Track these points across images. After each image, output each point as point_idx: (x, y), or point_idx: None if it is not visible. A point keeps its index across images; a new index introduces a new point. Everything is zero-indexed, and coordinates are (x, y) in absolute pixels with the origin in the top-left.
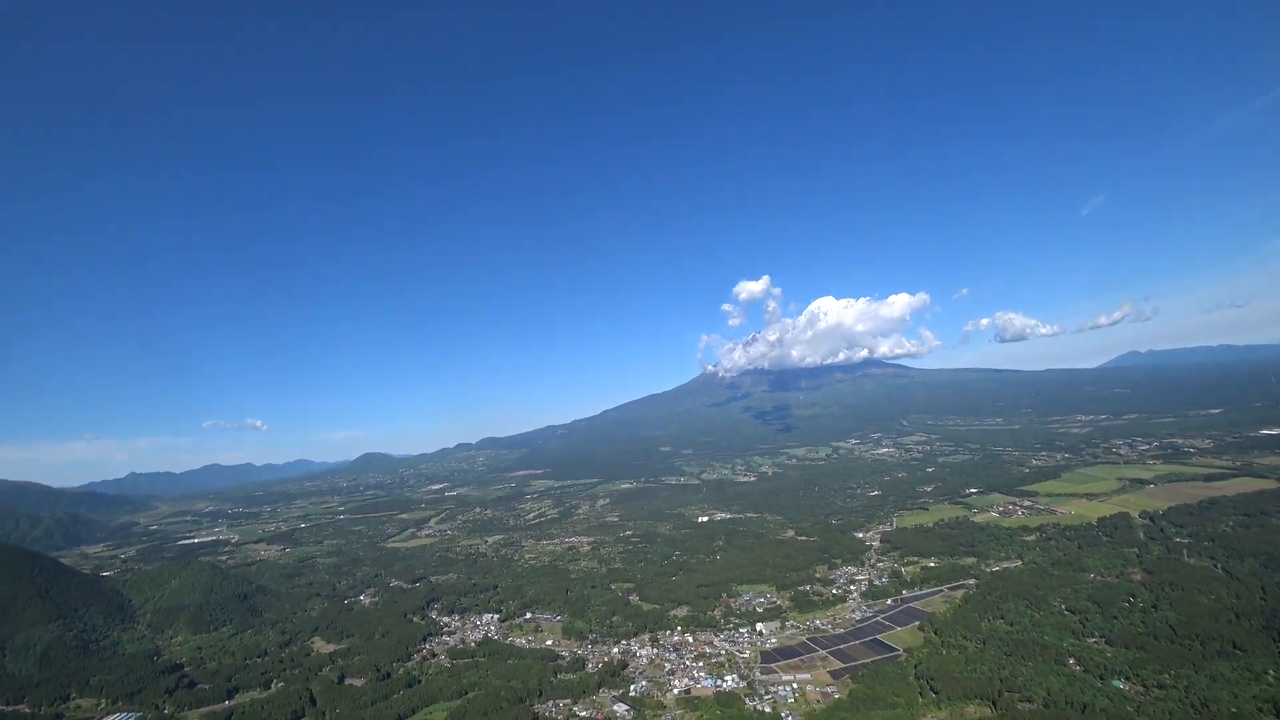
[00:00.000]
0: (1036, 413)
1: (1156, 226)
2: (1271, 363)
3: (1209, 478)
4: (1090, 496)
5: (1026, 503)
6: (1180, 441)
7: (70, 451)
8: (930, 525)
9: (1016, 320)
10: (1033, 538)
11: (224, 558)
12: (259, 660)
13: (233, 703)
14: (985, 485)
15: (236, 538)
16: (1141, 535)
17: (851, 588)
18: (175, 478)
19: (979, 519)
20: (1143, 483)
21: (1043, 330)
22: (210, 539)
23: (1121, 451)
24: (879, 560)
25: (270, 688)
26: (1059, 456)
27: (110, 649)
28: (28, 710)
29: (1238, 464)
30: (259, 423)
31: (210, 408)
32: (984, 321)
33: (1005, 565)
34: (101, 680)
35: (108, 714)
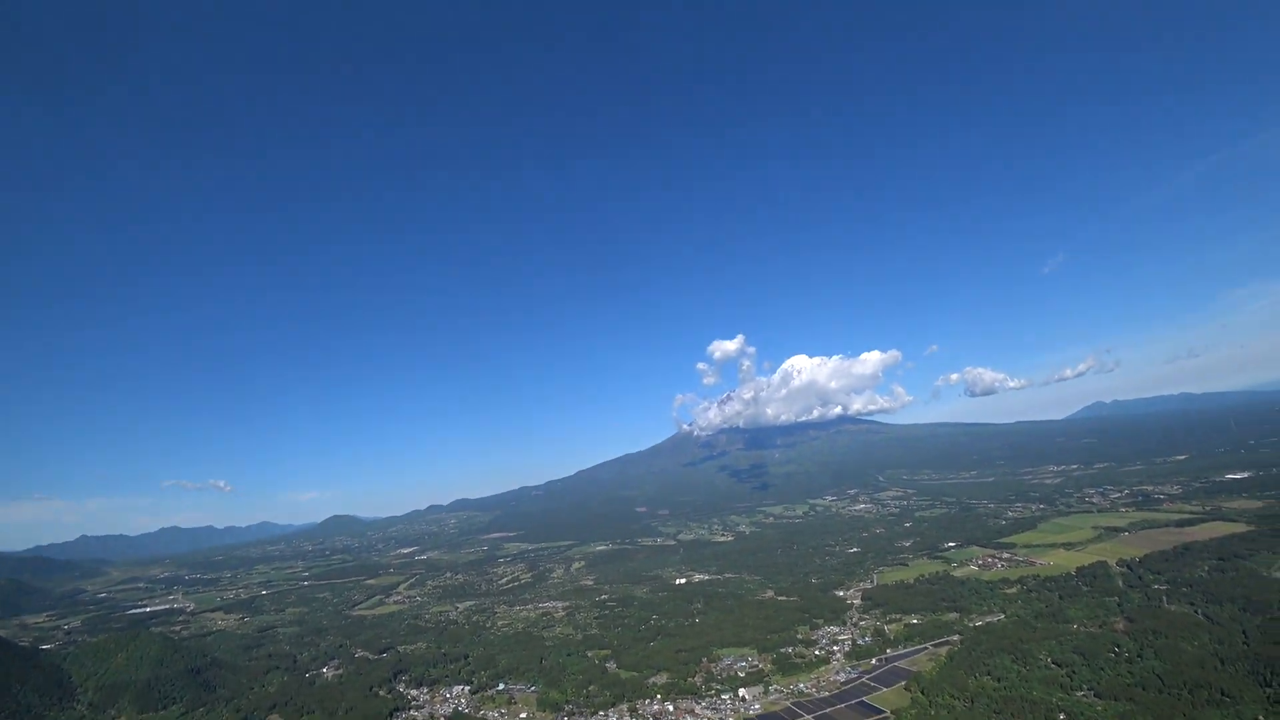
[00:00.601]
0: (1009, 465)
1: (1114, 281)
2: (1230, 409)
3: (1180, 523)
4: (1067, 546)
5: (1005, 555)
6: (1150, 488)
7: (16, 511)
8: (911, 581)
9: (985, 375)
10: (1014, 590)
11: (177, 628)
12: None
13: None
14: (963, 539)
15: (192, 606)
16: (1120, 583)
17: (834, 648)
18: (130, 540)
19: (959, 573)
20: (1117, 530)
21: (1011, 384)
22: (164, 607)
23: (1094, 500)
24: (861, 618)
25: None
26: (1034, 507)
27: None
28: None
29: (1207, 509)
30: (222, 483)
31: (170, 467)
32: (954, 377)
33: (988, 619)
34: None
35: None
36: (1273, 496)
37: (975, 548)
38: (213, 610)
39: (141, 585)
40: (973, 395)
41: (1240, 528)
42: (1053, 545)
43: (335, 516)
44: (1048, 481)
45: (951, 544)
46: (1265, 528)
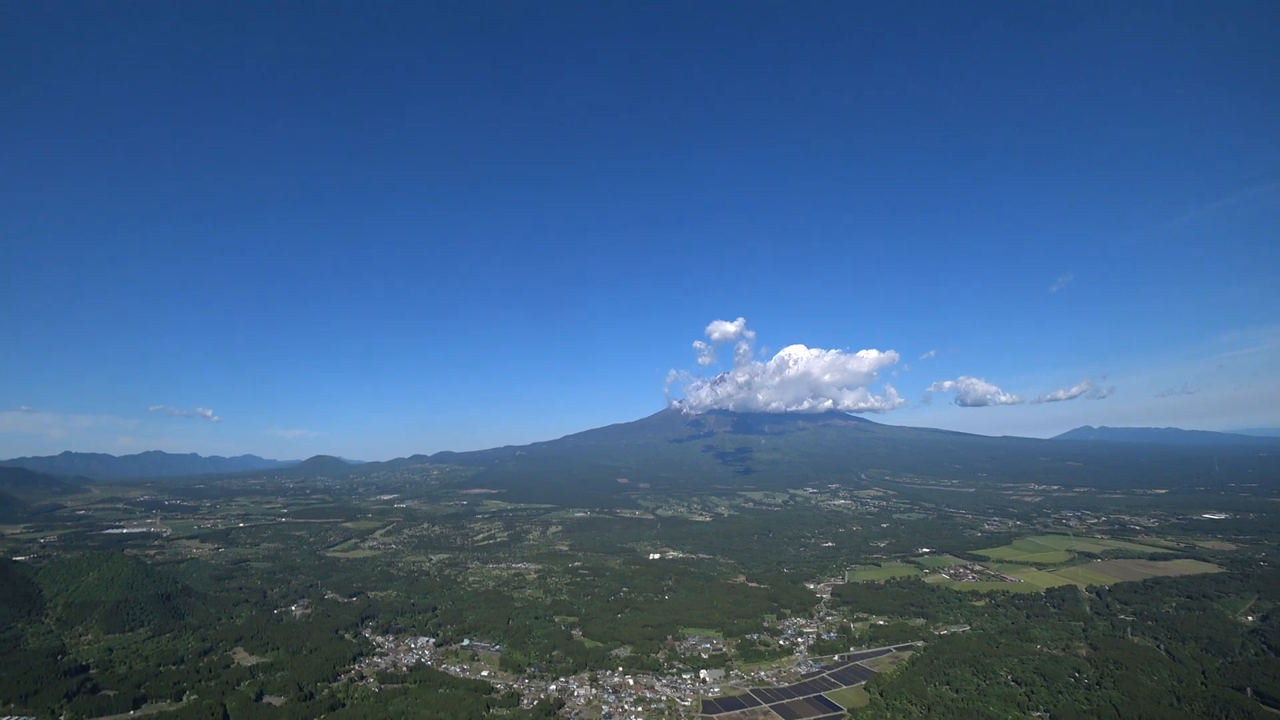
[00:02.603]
0: (991, 478)
1: (1119, 309)
2: (1215, 449)
3: (1153, 556)
4: (1040, 566)
5: (978, 567)
6: (1127, 518)
7: (4, 421)
8: (882, 582)
9: (979, 386)
10: (982, 603)
11: (152, 552)
12: (174, 668)
13: (138, 713)
14: (938, 546)
15: (169, 531)
16: (1088, 609)
17: (799, 640)
18: (113, 461)
19: (930, 579)
20: (1091, 556)
21: (1003, 398)
22: (140, 530)
23: (1071, 523)
24: (829, 614)
25: (182, 700)
26: (1011, 523)
27: (10, 642)
28: None
29: (1181, 545)
30: (209, 412)
31: (158, 391)
32: (947, 384)
33: (954, 629)
34: None
35: None
36: (1247, 540)
37: (949, 556)
38: (189, 538)
39: (121, 506)
40: (963, 404)
41: (1212, 568)
42: (1025, 563)
43: (319, 456)
44: (1027, 499)
45: (926, 550)
46: (1236, 571)
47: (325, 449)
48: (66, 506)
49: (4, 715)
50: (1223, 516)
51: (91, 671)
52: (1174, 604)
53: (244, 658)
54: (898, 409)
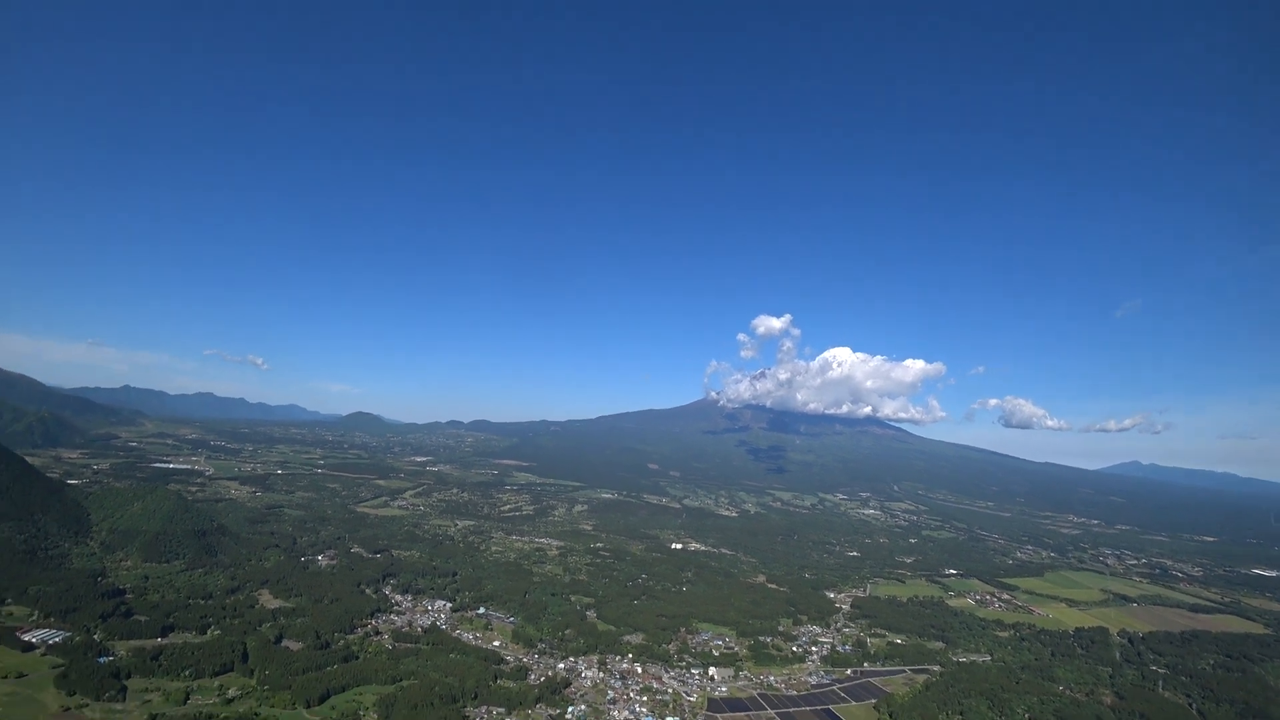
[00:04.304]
0: (1029, 504)
1: (1187, 342)
2: (1273, 501)
3: (1195, 608)
4: (1071, 602)
5: (1005, 595)
6: (1170, 563)
7: (71, 352)
8: (904, 600)
9: (1025, 408)
10: (1006, 634)
11: (193, 489)
12: (202, 602)
13: (164, 641)
14: (966, 569)
15: (211, 471)
16: (1118, 655)
17: (813, 649)
18: (168, 398)
19: (954, 603)
20: (1126, 599)
21: (1049, 423)
22: (185, 467)
23: (1109, 561)
24: (846, 625)
25: (206, 633)
26: (1045, 554)
27: (57, 561)
28: None
29: (1226, 600)
30: (259, 360)
31: (214, 336)
32: (992, 402)
33: (973, 657)
34: (40, 591)
35: (37, 627)
36: None
37: (976, 581)
38: (229, 479)
39: (170, 442)
40: (1007, 425)
41: (1257, 628)
42: (1056, 598)
43: (359, 413)
44: (1065, 530)
45: (953, 571)
46: None
47: (366, 406)
48: (121, 437)
49: (43, 628)
50: (1274, 574)
51: (127, 596)
52: (1212, 661)
53: (268, 600)
54: (938, 423)
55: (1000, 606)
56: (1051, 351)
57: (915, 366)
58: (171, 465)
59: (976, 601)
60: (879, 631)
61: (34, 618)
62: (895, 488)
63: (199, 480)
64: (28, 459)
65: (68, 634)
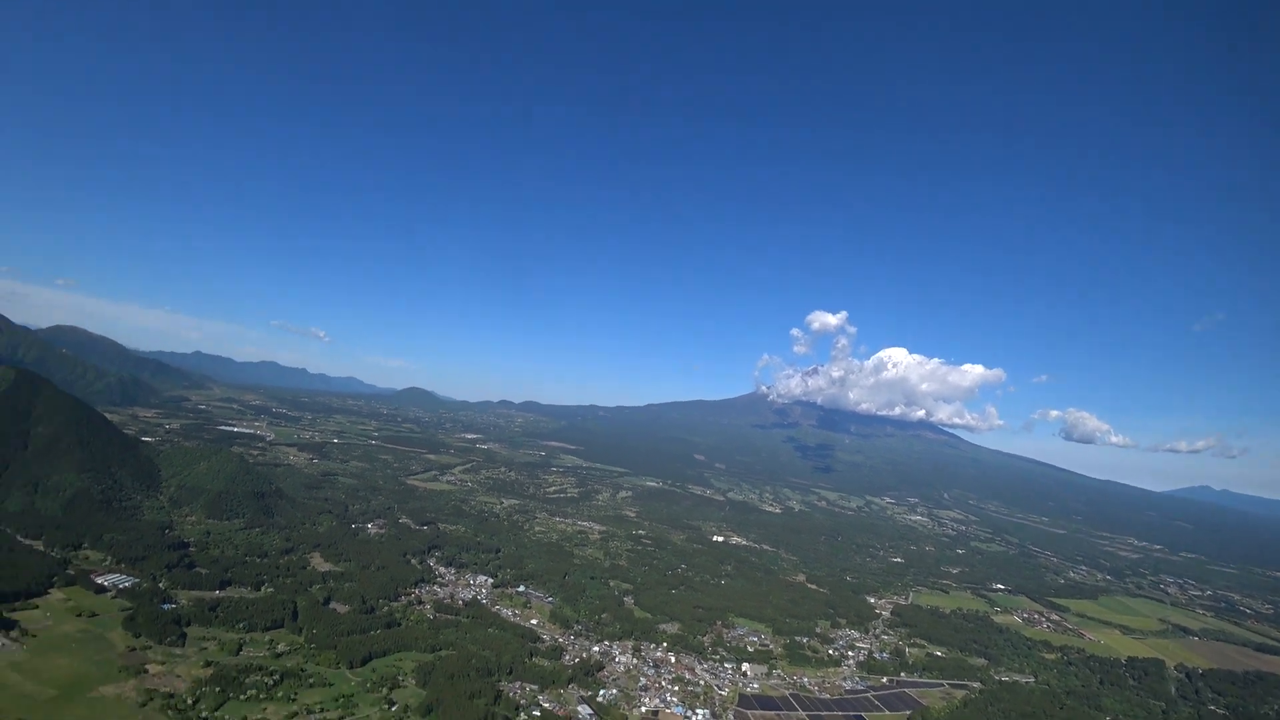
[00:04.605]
0: (1086, 523)
1: (1272, 361)
2: None
3: (1261, 648)
4: (1126, 630)
5: (1055, 616)
6: (1237, 598)
7: (149, 318)
8: (947, 611)
9: (1089, 421)
10: (1053, 656)
11: (255, 452)
12: (258, 560)
13: (221, 594)
14: (1014, 585)
15: (272, 436)
16: (1173, 690)
17: (850, 653)
18: (235, 365)
19: (1000, 619)
20: (1187, 631)
21: (1114, 439)
22: (248, 431)
23: (1170, 590)
24: (885, 632)
25: (260, 590)
26: (1100, 576)
27: (130, 512)
28: (41, 549)
29: None
30: (321, 332)
31: (280, 307)
32: (1054, 413)
33: (1017, 677)
34: (113, 539)
35: (109, 572)
36: None
37: (1025, 598)
38: (288, 445)
39: (235, 407)
40: (1068, 438)
41: None
42: (1109, 623)
43: (414, 388)
44: (1123, 554)
45: (1000, 586)
46: None
47: (420, 382)
48: (191, 400)
49: (115, 572)
50: None
51: (190, 549)
52: (1277, 707)
53: (319, 563)
54: (995, 431)
55: (1048, 627)
56: (1121, 363)
57: (973, 371)
58: (236, 429)
59: (1024, 620)
60: (919, 642)
61: (107, 563)
62: (945, 495)
63: (260, 444)
64: (108, 416)
65: (136, 580)
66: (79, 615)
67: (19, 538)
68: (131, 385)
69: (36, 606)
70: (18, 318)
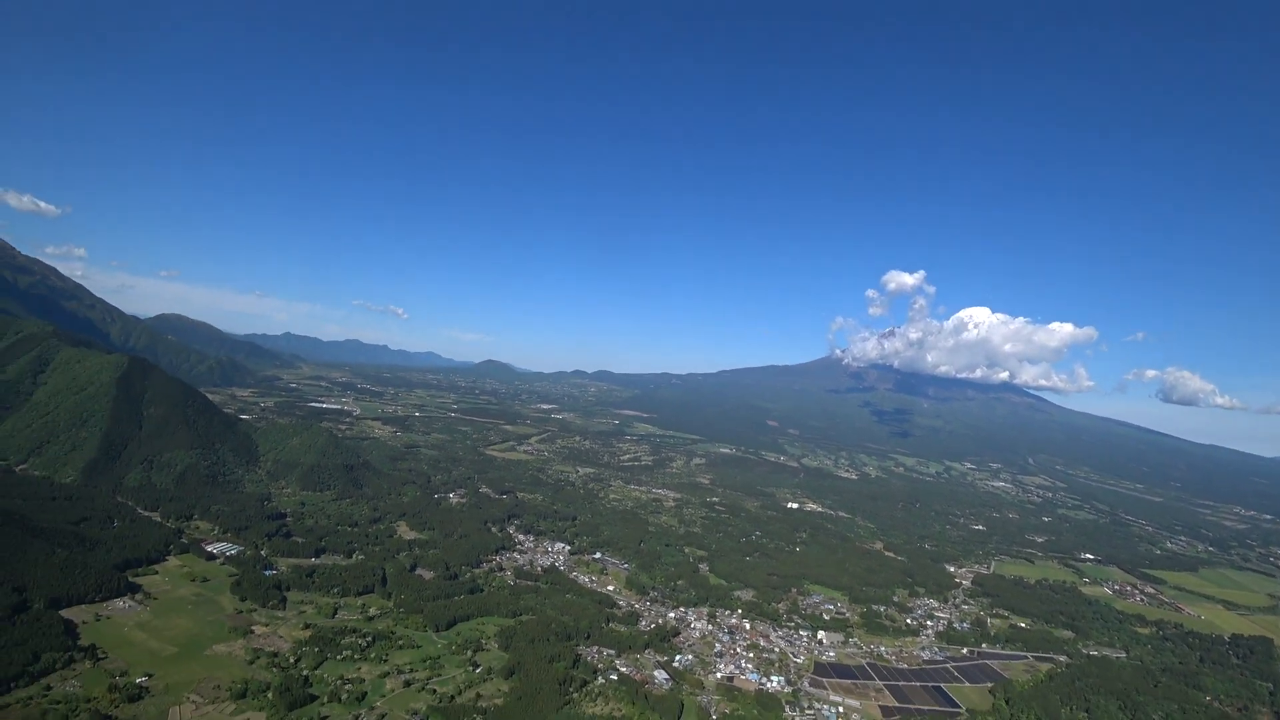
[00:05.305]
0: (1186, 490)
1: None
2: None
3: None
4: (1229, 605)
5: (1149, 588)
6: None
7: (242, 302)
8: (1032, 581)
9: (1191, 381)
10: (1147, 631)
11: (343, 427)
12: (349, 529)
13: (317, 561)
14: (1105, 555)
15: (358, 411)
16: None
17: (929, 623)
18: (321, 344)
19: (1089, 590)
20: None
21: (1218, 400)
22: (336, 407)
23: None
24: (965, 602)
25: (351, 557)
26: (1201, 547)
27: (233, 485)
28: (158, 519)
29: None
30: (400, 310)
31: (361, 287)
32: (1150, 373)
33: (1106, 652)
34: (219, 510)
35: (217, 540)
36: None
37: (1115, 569)
38: (373, 419)
39: (323, 384)
40: (1166, 400)
41: None
42: (1211, 598)
43: (490, 361)
44: (1228, 524)
45: (1089, 556)
46: None
47: (497, 355)
48: (283, 379)
49: (222, 541)
50: None
51: (287, 519)
52: None
53: (405, 531)
54: (1084, 393)
55: (1142, 600)
56: (1226, 319)
57: (1062, 330)
58: (324, 405)
59: (1114, 592)
60: (1001, 612)
61: (215, 532)
62: (1030, 460)
63: (348, 419)
64: (209, 396)
65: (240, 548)
66: (193, 580)
67: (139, 510)
68: (229, 367)
69: (157, 572)
70: (128, 308)
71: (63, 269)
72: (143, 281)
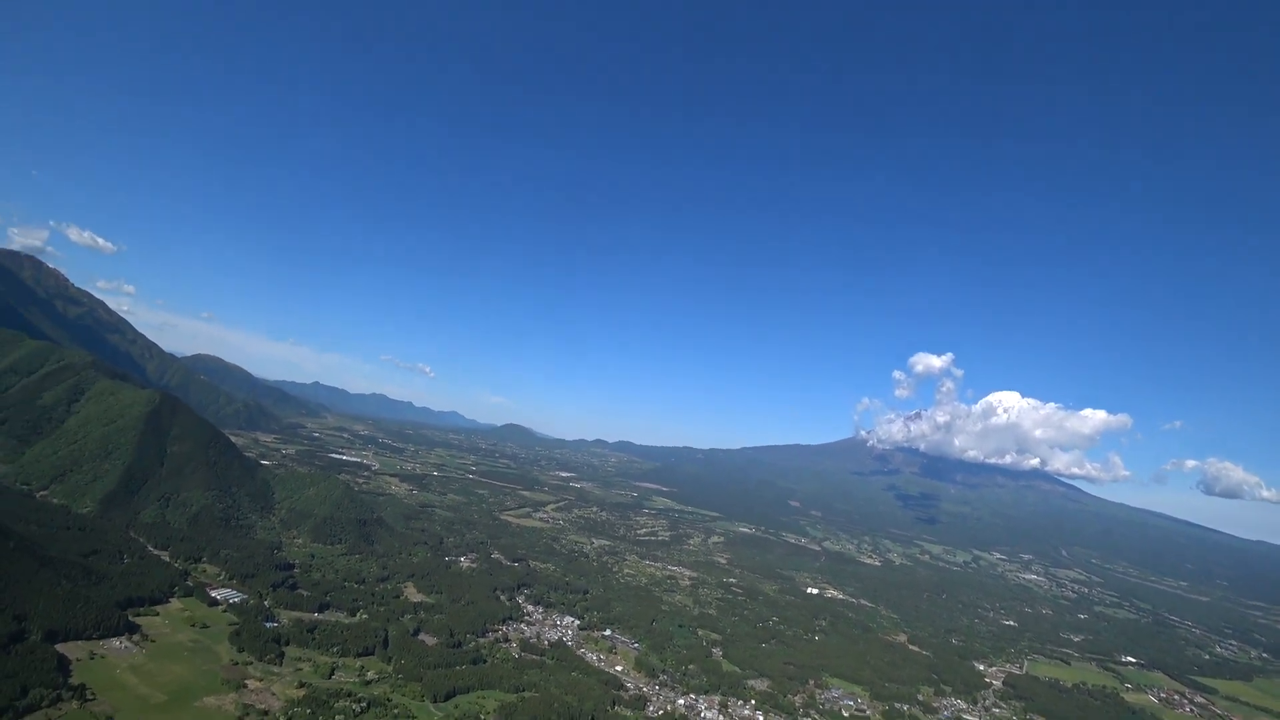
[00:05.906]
0: (1234, 590)
1: None
2: None
3: None
4: None
5: (1199, 698)
6: None
7: (275, 349)
8: (1069, 685)
9: (1233, 472)
10: None
11: (361, 480)
12: (355, 586)
13: (320, 616)
14: (1148, 659)
15: (377, 466)
16: None
17: None
18: (348, 396)
19: (1131, 698)
20: None
21: (1265, 493)
22: (356, 460)
23: None
24: (996, 705)
25: (355, 615)
26: (1254, 653)
27: (245, 530)
28: (167, 559)
29: None
30: (427, 368)
31: (390, 344)
32: (1190, 463)
33: None
34: (228, 555)
35: (222, 586)
36: None
37: (1161, 675)
38: (391, 474)
39: (346, 435)
40: (1208, 492)
41: None
42: (1269, 710)
43: (512, 424)
44: None
45: (1131, 660)
46: None
47: (519, 419)
48: (307, 427)
49: (227, 587)
50: None
51: (295, 570)
52: None
53: (412, 593)
54: (1120, 483)
55: (1193, 710)
56: (1270, 408)
57: (1095, 417)
58: (344, 457)
59: (1160, 700)
60: (1035, 718)
61: (221, 577)
62: (1064, 552)
63: (365, 473)
64: (233, 438)
65: (244, 596)
66: (192, 625)
67: (149, 547)
68: (256, 411)
69: (158, 614)
70: (166, 345)
71: (111, 303)
72: (184, 321)
